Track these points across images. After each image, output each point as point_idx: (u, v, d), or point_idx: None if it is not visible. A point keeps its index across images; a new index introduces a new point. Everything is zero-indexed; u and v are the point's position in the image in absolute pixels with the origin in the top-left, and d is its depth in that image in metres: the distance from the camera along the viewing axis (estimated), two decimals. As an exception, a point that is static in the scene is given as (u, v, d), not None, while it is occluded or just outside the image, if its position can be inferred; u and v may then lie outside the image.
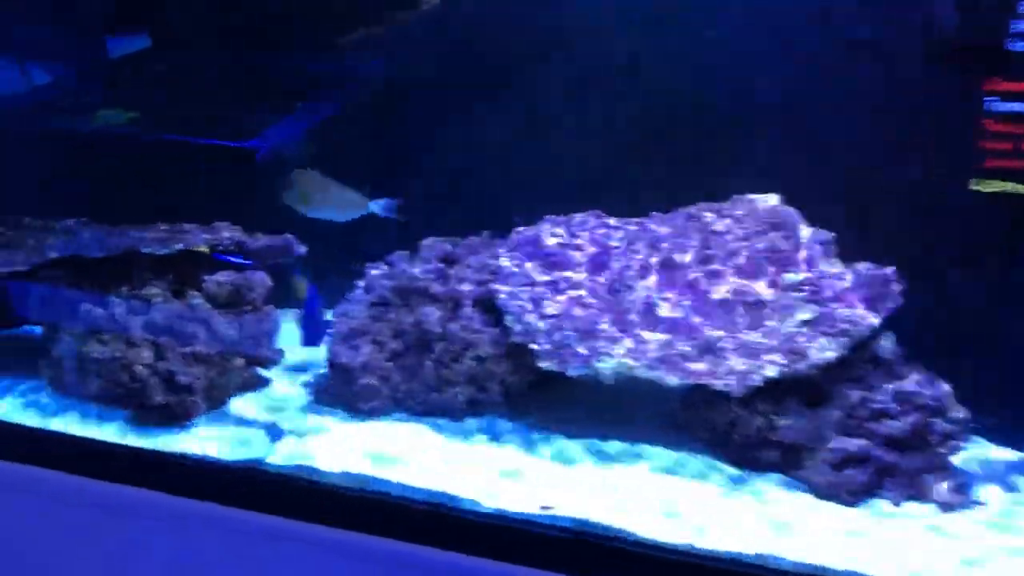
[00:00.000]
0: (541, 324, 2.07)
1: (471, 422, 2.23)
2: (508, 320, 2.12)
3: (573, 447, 2.13)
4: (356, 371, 2.20)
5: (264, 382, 2.37)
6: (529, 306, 2.11)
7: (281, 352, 2.34)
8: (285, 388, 2.37)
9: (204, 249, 2.18)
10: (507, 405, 2.23)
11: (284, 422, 2.24)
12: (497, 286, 2.17)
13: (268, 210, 2.46)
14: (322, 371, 2.40)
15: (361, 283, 2.31)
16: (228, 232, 2.21)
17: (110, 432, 2.20)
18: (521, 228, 2.27)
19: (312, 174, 2.46)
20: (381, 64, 2.74)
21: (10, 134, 2.86)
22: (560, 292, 2.13)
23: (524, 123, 2.53)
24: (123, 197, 2.70)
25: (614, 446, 2.12)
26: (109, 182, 2.72)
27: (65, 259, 2.19)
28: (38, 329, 2.59)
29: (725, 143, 2.37)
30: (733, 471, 2.04)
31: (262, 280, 2.27)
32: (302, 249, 2.33)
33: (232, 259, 2.23)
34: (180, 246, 2.15)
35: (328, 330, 2.16)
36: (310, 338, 2.07)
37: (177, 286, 2.19)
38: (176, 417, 2.19)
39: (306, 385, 2.39)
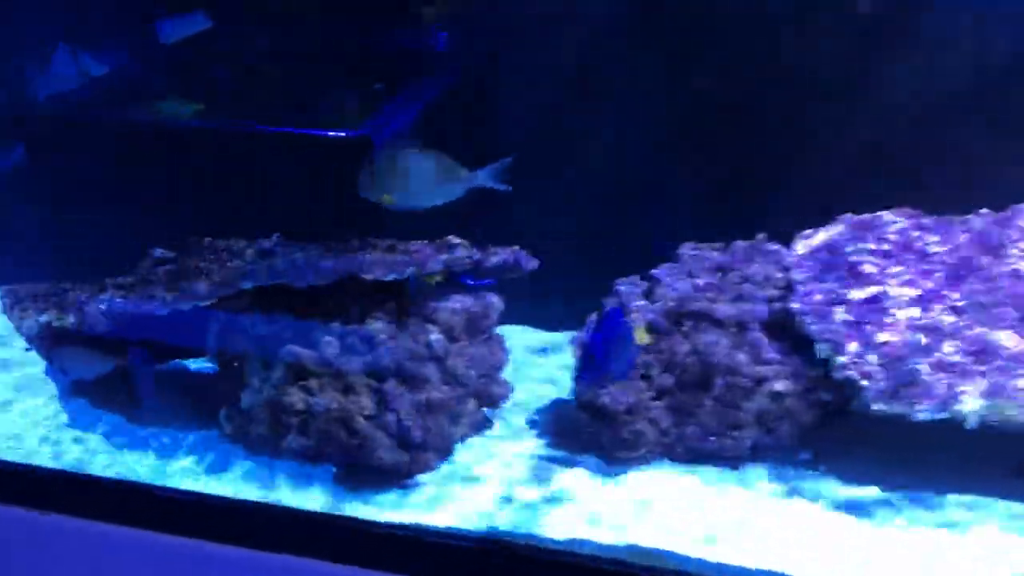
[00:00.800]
0: (872, 356, 1.66)
1: (756, 471, 1.83)
2: (822, 350, 1.71)
3: (896, 502, 1.73)
4: (620, 415, 1.80)
5: (489, 423, 1.97)
6: (846, 331, 1.70)
7: (511, 387, 1.93)
8: (518, 432, 1.97)
9: (438, 279, 1.76)
10: (797, 449, 1.83)
11: (527, 478, 1.83)
12: (796, 305, 1.76)
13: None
14: (545, 406, 2.03)
15: (609, 303, 1.90)
16: (464, 249, 1.78)
17: (315, 499, 1.79)
18: (808, 231, 1.86)
19: (408, 151, 2.01)
20: (444, 38, 2.37)
21: (75, 131, 2.51)
22: (882, 313, 1.72)
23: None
24: (215, 201, 2.30)
25: (951, 500, 1.72)
26: (194, 183, 2.35)
27: (262, 288, 1.78)
28: (196, 364, 2.20)
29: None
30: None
31: (497, 305, 1.86)
32: (534, 263, 1.92)
33: (483, 282, 1.82)
34: (412, 269, 1.72)
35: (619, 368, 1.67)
36: (592, 376, 1.62)
37: (402, 316, 1.77)
38: (398, 476, 1.79)
39: (537, 426, 1.99)
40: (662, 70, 2.14)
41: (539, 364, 2.19)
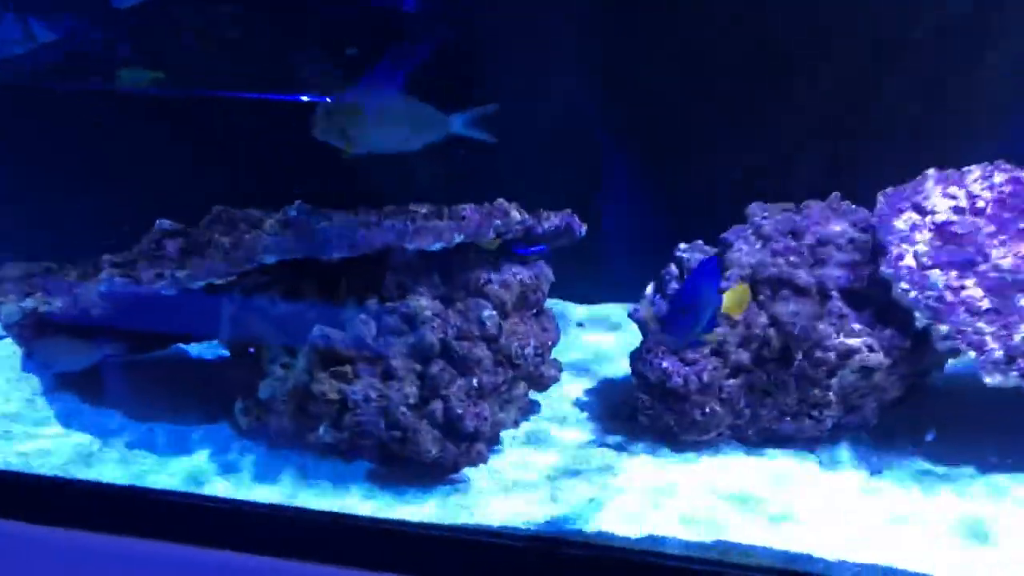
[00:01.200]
0: (982, 325, 1.49)
1: (836, 452, 1.66)
2: (922, 318, 1.54)
3: (999, 484, 1.56)
4: (692, 394, 1.61)
5: (535, 407, 1.77)
6: (950, 297, 1.53)
7: (560, 365, 1.74)
8: (570, 415, 1.77)
9: (494, 242, 1.55)
10: (877, 429, 1.67)
11: (585, 466, 1.64)
12: (888, 270, 1.59)
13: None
14: (595, 386, 1.85)
15: (672, 271, 1.72)
16: (517, 214, 1.57)
17: (349, 498, 1.57)
18: (891, 188, 1.68)
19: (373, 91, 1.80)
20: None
21: (35, 98, 2.32)
22: (983, 277, 1.55)
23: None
24: (197, 171, 2.13)
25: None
26: (167, 154, 2.16)
27: (285, 263, 1.56)
28: (192, 348, 1.98)
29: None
30: None
31: (548, 276, 1.66)
32: (583, 229, 1.72)
33: (534, 249, 1.62)
34: (460, 238, 1.51)
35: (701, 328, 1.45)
36: (680, 327, 1.38)
37: (447, 291, 1.57)
38: (444, 470, 1.58)
39: (589, 408, 1.80)
40: (650, 31, 1.99)
41: (579, 339, 2.01)
